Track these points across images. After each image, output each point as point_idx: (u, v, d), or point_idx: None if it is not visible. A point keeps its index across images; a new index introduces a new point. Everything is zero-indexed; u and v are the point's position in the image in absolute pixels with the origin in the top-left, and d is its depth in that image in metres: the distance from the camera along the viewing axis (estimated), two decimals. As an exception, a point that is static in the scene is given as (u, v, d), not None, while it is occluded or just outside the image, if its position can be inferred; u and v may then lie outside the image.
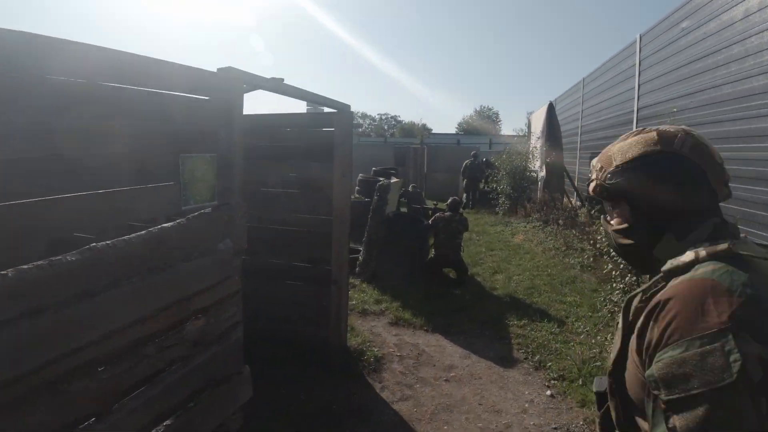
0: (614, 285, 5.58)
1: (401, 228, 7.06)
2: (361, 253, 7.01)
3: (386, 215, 7.00)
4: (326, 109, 4.35)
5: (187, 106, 2.29)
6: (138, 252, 2.01)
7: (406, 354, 4.81)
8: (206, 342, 2.50)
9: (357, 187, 11.16)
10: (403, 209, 11.51)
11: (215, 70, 2.54)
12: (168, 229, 2.16)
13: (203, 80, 2.40)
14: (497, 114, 65.52)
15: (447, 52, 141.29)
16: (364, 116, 70.15)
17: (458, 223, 7.22)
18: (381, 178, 10.11)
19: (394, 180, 7.85)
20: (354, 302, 6.03)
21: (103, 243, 1.92)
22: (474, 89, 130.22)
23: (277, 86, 3.18)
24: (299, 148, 4.49)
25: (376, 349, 4.75)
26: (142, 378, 2.12)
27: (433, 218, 7.35)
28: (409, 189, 11.59)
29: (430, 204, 12.11)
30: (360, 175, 10.87)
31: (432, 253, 7.37)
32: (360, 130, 54.53)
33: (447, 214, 7.25)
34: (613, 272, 5.61)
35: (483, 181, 15.77)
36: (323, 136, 4.38)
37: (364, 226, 7.06)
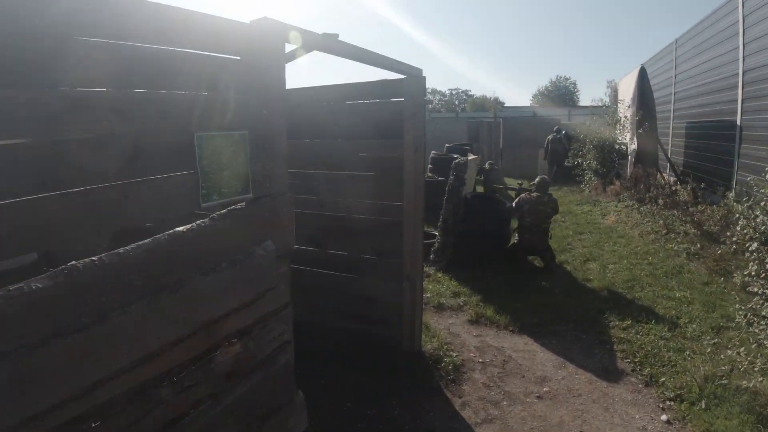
0: (756, 290, 4.47)
1: (481, 210, 6.30)
2: (436, 239, 6.34)
3: (464, 196, 6.26)
4: (391, 76, 3.68)
5: (207, 67, 1.72)
6: (138, 268, 1.49)
7: (490, 360, 4.12)
8: (244, 371, 1.98)
9: (429, 165, 10.44)
10: (480, 189, 10.66)
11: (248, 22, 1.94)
12: (182, 235, 1.62)
13: (230, 34, 1.81)
14: (575, 84, 61.29)
15: (518, 21, 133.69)
16: (434, 92, 68.41)
17: (547, 205, 6.33)
18: (455, 155, 9.32)
19: (471, 157, 7.05)
20: (428, 295, 5.40)
21: (87, 260, 1.41)
22: (548, 59, 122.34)
23: (330, 44, 2.53)
24: (362, 124, 3.87)
25: (454, 354, 4.10)
26: (156, 429, 1.63)
27: (517, 199, 6.50)
28: (486, 167, 10.67)
29: (511, 183, 11.13)
30: (432, 153, 10.14)
31: (515, 238, 6.55)
32: (430, 106, 53.24)
33: (534, 194, 6.37)
34: (760, 274, 4.46)
35: (566, 156, 14.44)
36: (391, 107, 3.71)
37: (438, 209, 6.38)
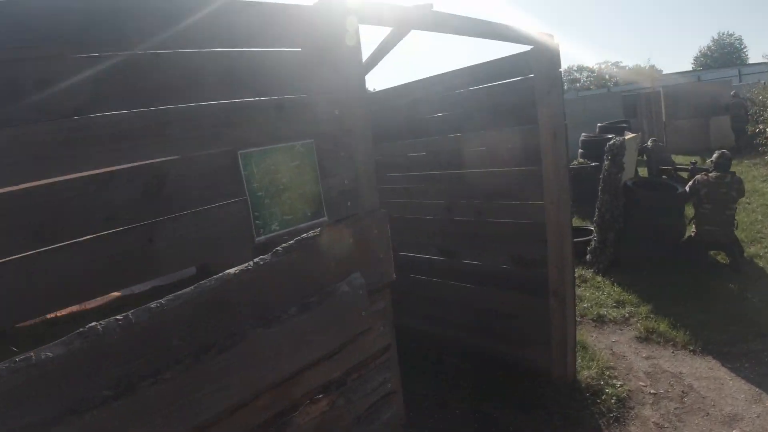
0: None
1: (646, 199, 5.20)
2: (592, 237, 5.43)
3: (623, 184, 5.24)
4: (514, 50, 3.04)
5: (256, 63, 1.38)
6: (177, 325, 1.20)
7: (664, 391, 3.25)
8: (336, 433, 1.62)
9: (580, 150, 9.24)
10: (643, 174, 9.12)
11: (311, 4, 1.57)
12: (233, 278, 1.30)
13: (285, 21, 1.45)
14: (740, 39, 51.27)
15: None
16: (581, 69, 62.73)
17: (730, 187, 4.99)
18: (610, 136, 8.07)
19: (628, 136, 5.91)
20: (585, 305, 4.57)
21: (111, 320, 1.15)
22: (705, 14, 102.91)
23: (427, 19, 2.04)
24: (484, 112, 3.29)
25: (618, 384, 3.31)
26: None
27: (691, 182, 5.25)
28: (648, 144, 9.07)
29: (682, 162, 9.34)
30: (582, 135, 8.94)
31: (691, 230, 5.29)
32: (578, 84, 48.98)
33: (712, 175, 5.08)
34: None
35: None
36: (518, 88, 3.08)
37: (592, 199, 5.44)
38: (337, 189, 1.53)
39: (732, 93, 13.36)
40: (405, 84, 3.93)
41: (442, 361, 3.91)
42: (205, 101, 1.28)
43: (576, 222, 7.32)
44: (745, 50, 51.12)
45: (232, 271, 1.33)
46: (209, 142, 1.29)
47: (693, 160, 6.37)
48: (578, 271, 5.37)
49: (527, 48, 2.93)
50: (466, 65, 3.43)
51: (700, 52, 53.10)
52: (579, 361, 3.47)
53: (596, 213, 5.27)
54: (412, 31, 2.60)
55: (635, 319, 4.25)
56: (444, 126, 3.66)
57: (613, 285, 4.91)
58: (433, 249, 4.01)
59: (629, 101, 15.57)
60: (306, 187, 1.44)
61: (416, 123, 3.88)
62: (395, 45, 2.67)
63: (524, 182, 3.16)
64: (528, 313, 3.34)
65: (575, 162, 8.52)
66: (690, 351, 3.71)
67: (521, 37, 2.78)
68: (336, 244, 1.51)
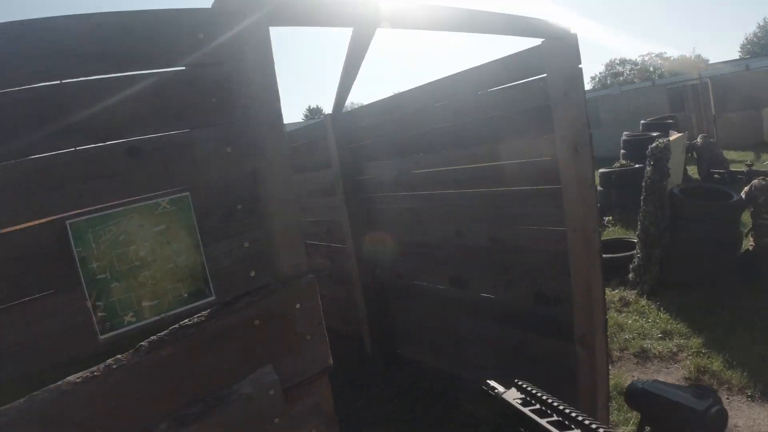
0: None
1: (695, 209, 4.50)
2: (635, 252, 4.78)
3: (669, 192, 4.58)
4: (524, 45, 2.52)
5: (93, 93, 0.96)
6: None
7: (724, 454, 2.64)
8: None
9: (622, 150, 8.48)
10: (693, 173, 8.26)
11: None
12: (69, 392, 0.89)
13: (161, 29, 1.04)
14: None
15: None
16: (623, 62, 60.09)
17: (795, 192, 4.26)
18: (654, 134, 7.30)
19: (673, 136, 5.20)
20: (627, 335, 3.97)
21: None
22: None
23: (381, 13, 1.55)
24: (491, 121, 2.80)
25: (668, 443, 2.72)
26: None
27: (748, 188, 4.52)
28: (698, 141, 8.19)
29: (735, 158, 8.41)
30: (624, 134, 8.19)
31: (749, 243, 4.55)
32: (621, 78, 46.96)
33: (775, 178, 4.36)
34: None
35: None
36: (527, 91, 2.57)
37: (633, 205, 4.78)
38: (231, 256, 1.09)
39: None
40: (401, 93, 3.49)
41: (456, 406, 3.42)
42: (13, 154, 0.88)
43: (618, 232, 6.62)
44: None
45: (72, 378, 0.93)
46: (20, 211, 0.88)
47: (748, 161, 5.54)
48: (620, 293, 4.74)
49: (537, 42, 2.42)
50: (474, 65, 2.95)
51: (746, 39, 50.38)
52: (615, 414, 2.91)
53: (639, 226, 4.62)
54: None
55: (684, 354, 3.62)
56: (447, 139, 3.19)
57: (659, 310, 4.27)
58: (443, 278, 3.52)
59: (675, 94, 14.46)
60: (179, 258, 1.01)
61: (419, 137, 3.42)
62: (366, 48, 2.21)
63: (542, 204, 2.64)
64: (552, 358, 2.81)
65: (617, 164, 7.79)
66: (747, 397, 3.08)
67: (527, 29, 2.27)
68: (233, 332, 1.08)
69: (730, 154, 10.97)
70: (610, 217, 7.04)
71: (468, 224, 3.19)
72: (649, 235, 4.47)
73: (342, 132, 4.14)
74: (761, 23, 49.89)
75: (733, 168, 8.07)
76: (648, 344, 3.80)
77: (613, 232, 6.67)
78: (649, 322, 4.13)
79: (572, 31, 2.39)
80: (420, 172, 3.49)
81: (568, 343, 2.64)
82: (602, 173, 7.53)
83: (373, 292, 4.30)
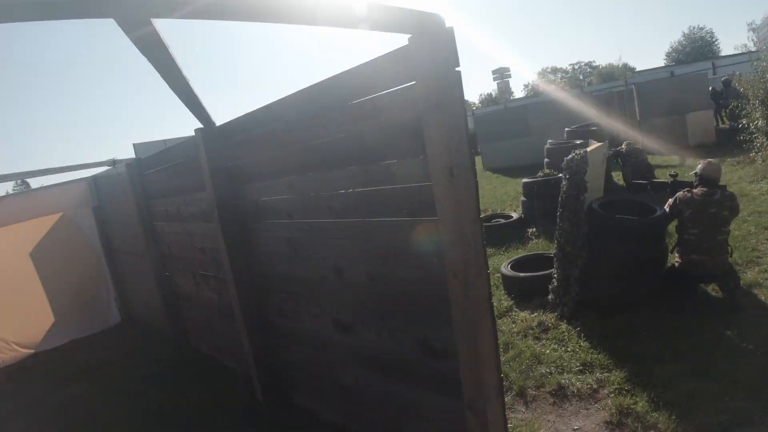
0: None
1: (617, 226, 4.19)
2: (552, 272, 4.42)
3: (589, 207, 4.25)
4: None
5: None
6: None
7: None
8: None
9: (546, 159, 8.29)
10: (620, 179, 8.17)
11: None
12: None
13: None
14: (711, 33, 52.85)
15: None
16: (555, 70, 62.81)
17: (721, 205, 4.01)
18: (578, 141, 7.12)
19: (592, 146, 4.91)
20: (543, 369, 3.57)
21: None
22: (675, 10, 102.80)
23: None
24: (362, 137, 2.29)
25: None
26: None
27: (672, 200, 4.27)
28: (623, 148, 8.12)
29: (661, 165, 8.41)
30: (549, 142, 8.00)
31: (675, 258, 4.30)
32: (553, 87, 49.03)
33: (697, 191, 4.10)
34: None
35: (724, 112, 12.78)
36: (396, 101, 2.07)
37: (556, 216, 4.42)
38: None
39: (723, 79, 13.61)
40: (274, 102, 2.91)
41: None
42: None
43: (542, 245, 6.32)
44: (717, 43, 52.10)
45: None
46: None
47: (672, 172, 5.34)
48: (539, 316, 4.37)
49: (405, 39, 1.92)
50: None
51: (671, 47, 54.06)
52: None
53: (556, 244, 4.26)
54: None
55: (606, 391, 3.24)
56: (319, 158, 2.65)
57: (579, 337, 3.90)
58: (326, 320, 2.97)
59: (602, 101, 14.74)
60: None
61: (291, 155, 2.87)
62: (160, 42, 1.62)
63: (418, 239, 2.14)
64: (445, 421, 2.32)
65: (540, 173, 7.56)
66: (677, 441, 2.72)
67: (383, 20, 1.76)
68: None
69: (655, 159, 11.14)
70: (534, 229, 6.76)
71: (347, 260, 2.65)
72: (566, 254, 4.11)
73: (216, 149, 3.53)
74: (686, 32, 53.57)
75: (659, 174, 8.06)
76: (566, 380, 3.40)
77: (537, 245, 6.36)
78: (568, 351, 3.75)
79: (447, 25, 1.90)
80: (294, 197, 2.93)
81: (460, 405, 2.15)
82: (525, 183, 7.28)
83: (258, 330, 3.70)
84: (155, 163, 5.15)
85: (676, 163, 10.56)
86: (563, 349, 3.81)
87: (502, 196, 10.62)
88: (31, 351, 6.43)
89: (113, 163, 5.70)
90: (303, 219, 2.91)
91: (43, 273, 6.65)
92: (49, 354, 6.41)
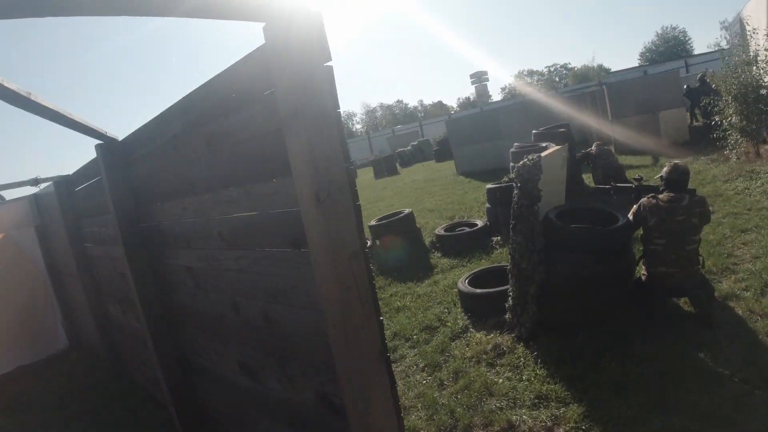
0: None
1: (573, 237, 3.82)
2: (507, 289, 4.05)
3: (545, 218, 3.88)
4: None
5: None
6: None
7: None
8: None
9: (512, 163, 7.95)
10: (591, 181, 7.86)
11: None
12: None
13: None
14: (684, 32, 54.60)
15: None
16: (531, 73, 63.22)
17: (689, 212, 3.66)
18: (545, 144, 6.78)
19: (548, 150, 4.54)
20: (494, 403, 3.19)
21: None
22: (648, 10, 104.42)
23: None
24: (241, 153, 1.90)
25: None
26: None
27: (636, 208, 3.92)
28: (592, 150, 7.81)
29: (634, 165, 8.09)
30: (514, 145, 7.66)
31: (642, 271, 3.95)
32: (530, 89, 49.46)
33: (663, 196, 3.75)
34: None
35: (697, 108, 12.77)
36: (257, 110, 1.69)
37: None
38: None
39: (698, 77, 13.57)
40: (165, 111, 2.51)
41: None
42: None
43: (504, 255, 5.94)
44: (690, 42, 53.04)
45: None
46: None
47: (637, 175, 4.99)
48: (495, 337, 3.99)
49: (260, 28, 1.54)
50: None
51: (645, 47, 54.94)
52: None
53: (510, 260, 3.89)
54: None
55: (561, 430, 2.85)
56: (206, 177, 2.26)
57: (536, 363, 3.52)
58: (233, 361, 2.57)
59: (575, 102, 14.51)
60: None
61: (181, 173, 2.48)
62: None
63: (294, 277, 1.75)
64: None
65: (506, 178, 7.21)
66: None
67: (235, 12, 1.37)
68: None
69: (628, 159, 10.85)
70: (498, 238, 6.40)
71: (243, 296, 2.26)
72: (521, 270, 3.74)
73: (120, 166, 3.12)
74: (659, 32, 54.26)
75: (630, 175, 7.73)
76: (518, 416, 3.02)
77: (501, 255, 5.99)
78: (523, 381, 3.37)
79: (312, 8, 1.52)
80: (189, 221, 2.53)
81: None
82: (488, 189, 6.93)
83: (173, 365, 3.28)
84: (82, 179, 4.72)
85: (650, 163, 10.29)
86: (518, 378, 3.43)
87: (471, 202, 10.26)
88: (-27, 379, 5.96)
89: (36, 182, 5.24)
90: (198, 247, 2.51)
91: (-15, 297, 6.18)
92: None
